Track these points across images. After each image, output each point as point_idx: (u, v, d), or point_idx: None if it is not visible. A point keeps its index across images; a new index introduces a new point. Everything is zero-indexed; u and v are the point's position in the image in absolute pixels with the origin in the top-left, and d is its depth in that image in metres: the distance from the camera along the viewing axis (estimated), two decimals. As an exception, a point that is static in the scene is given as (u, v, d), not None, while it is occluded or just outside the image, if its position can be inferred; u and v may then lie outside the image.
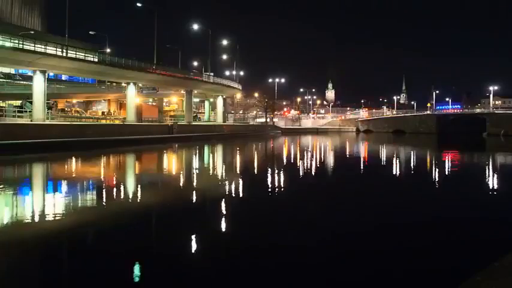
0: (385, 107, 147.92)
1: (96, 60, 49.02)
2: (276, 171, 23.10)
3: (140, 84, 59.30)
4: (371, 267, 7.65)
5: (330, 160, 32.11)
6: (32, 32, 53.60)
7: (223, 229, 10.24)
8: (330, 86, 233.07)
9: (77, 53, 45.84)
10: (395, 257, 8.29)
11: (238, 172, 23.01)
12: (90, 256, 8.15)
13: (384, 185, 18.29)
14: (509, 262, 6.82)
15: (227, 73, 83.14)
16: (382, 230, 10.23)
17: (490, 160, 32.00)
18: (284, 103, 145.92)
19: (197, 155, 36.50)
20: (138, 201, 14.16)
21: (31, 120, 41.56)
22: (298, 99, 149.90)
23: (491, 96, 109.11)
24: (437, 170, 24.91)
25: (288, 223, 10.89)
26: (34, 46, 41.00)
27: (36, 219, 11.20)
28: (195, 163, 29.22)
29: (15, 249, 8.54)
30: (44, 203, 13.91)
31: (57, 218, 11.41)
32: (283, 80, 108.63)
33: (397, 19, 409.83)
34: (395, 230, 10.33)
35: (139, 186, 17.92)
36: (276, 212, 12.23)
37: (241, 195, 15.19)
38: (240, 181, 18.72)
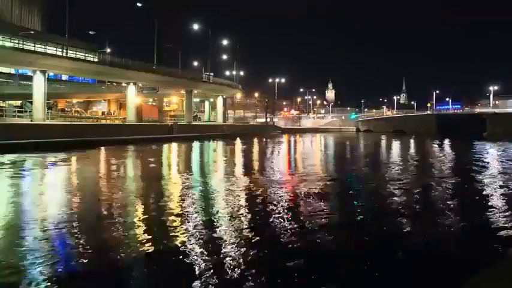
0: (385, 107, 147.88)
1: (96, 60, 49.11)
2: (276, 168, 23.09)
3: (140, 84, 59.37)
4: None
5: (327, 156, 32.20)
6: (32, 32, 53.66)
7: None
8: (330, 86, 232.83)
9: (77, 53, 45.92)
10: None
11: (242, 171, 22.96)
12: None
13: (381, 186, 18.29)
14: (509, 263, 6.82)
15: (227, 73, 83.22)
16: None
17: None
18: (284, 103, 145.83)
19: (197, 155, 36.50)
20: (138, 203, 14.12)
21: (31, 120, 41.60)
22: (298, 99, 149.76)
23: (491, 96, 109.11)
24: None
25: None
26: (34, 46, 41.07)
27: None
28: (195, 163, 29.21)
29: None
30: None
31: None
32: (283, 80, 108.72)
33: (397, 19, 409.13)
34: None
35: (138, 187, 17.86)
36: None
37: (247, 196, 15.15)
38: (248, 180, 18.70)
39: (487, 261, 7.31)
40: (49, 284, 6.59)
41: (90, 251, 8.26)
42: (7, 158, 25.56)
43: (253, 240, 8.85)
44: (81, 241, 8.88)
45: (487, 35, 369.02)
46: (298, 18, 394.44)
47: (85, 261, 7.68)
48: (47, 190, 16.56)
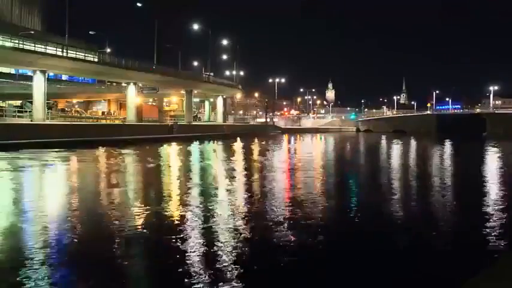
0: (385, 107, 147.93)
1: (96, 60, 49.10)
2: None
3: (140, 84, 59.35)
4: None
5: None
6: (32, 32, 53.58)
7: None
8: (330, 86, 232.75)
9: (77, 53, 45.91)
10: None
11: (242, 168, 23.01)
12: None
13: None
14: (509, 263, 6.82)
15: (227, 73, 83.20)
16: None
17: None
18: (284, 103, 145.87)
19: (198, 154, 36.51)
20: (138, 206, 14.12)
21: (31, 120, 41.61)
22: (298, 99, 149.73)
23: (491, 96, 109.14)
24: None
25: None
26: (34, 46, 41.06)
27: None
28: (196, 163, 29.24)
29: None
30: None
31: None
32: (283, 80, 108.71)
33: (396, 19, 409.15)
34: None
35: (138, 188, 17.87)
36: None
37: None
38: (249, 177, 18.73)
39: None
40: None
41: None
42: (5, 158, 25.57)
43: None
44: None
45: (487, 35, 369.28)
46: (298, 18, 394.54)
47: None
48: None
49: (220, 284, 6.55)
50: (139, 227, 10.21)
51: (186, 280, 6.74)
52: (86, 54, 47.92)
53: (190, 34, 69.84)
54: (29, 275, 6.84)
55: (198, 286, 6.52)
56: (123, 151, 34.13)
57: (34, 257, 7.67)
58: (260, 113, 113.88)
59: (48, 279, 6.77)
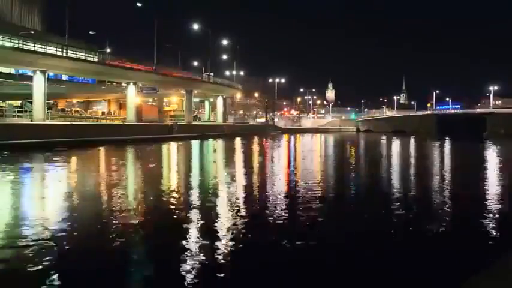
0: (385, 107, 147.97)
1: (96, 60, 49.07)
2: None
3: (140, 84, 59.34)
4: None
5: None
6: (32, 32, 53.55)
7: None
8: (330, 86, 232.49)
9: (77, 53, 45.88)
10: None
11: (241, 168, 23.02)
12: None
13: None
14: (509, 262, 6.82)
15: (227, 73, 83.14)
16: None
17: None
18: (284, 103, 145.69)
19: (198, 154, 36.51)
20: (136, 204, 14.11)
21: (31, 120, 41.58)
22: (298, 99, 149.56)
23: (491, 96, 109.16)
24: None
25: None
26: (34, 46, 41.05)
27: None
28: (195, 163, 29.24)
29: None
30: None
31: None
32: (283, 80, 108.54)
33: (397, 19, 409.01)
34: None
35: (137, 188, 17.85)
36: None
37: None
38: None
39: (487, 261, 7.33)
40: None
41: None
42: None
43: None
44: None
45: (487, 35, 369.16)
46: (298, 18, 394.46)
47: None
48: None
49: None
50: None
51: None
52: (86, 54, 47.89)
53: (190, 34, 69.86)
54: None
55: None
56: (123, 151, 34.11)
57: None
58: (260, 113, 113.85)
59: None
